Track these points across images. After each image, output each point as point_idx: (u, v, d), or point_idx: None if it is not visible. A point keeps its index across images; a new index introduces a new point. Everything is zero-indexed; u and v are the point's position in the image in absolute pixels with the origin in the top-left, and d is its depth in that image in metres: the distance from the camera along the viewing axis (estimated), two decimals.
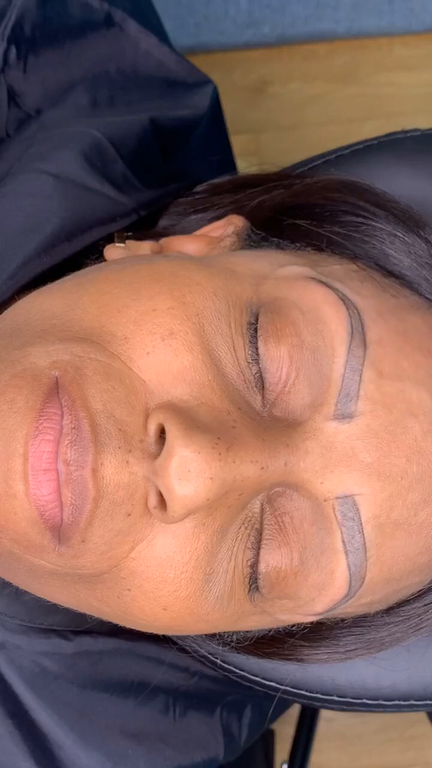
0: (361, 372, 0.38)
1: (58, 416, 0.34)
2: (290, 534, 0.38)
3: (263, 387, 0.38)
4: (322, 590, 0.39)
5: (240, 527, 0.37)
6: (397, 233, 0.45)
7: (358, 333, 0.38)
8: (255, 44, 1.37)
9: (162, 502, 0.35)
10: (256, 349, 0.38)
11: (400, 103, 1.31)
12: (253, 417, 0.37)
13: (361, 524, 0.37)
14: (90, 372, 0.36)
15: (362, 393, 0.38)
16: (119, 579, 0.37)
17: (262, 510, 0.38)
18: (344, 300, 0.39)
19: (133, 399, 0.36)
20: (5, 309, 0.43)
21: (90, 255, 0.49)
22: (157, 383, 0.36)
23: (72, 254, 0.49)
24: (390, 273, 0.44)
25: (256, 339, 0.38)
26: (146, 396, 0.36)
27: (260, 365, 0.38)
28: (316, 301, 0.39)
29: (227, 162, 0.66)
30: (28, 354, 0.36)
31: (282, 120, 1.35)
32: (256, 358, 0.38)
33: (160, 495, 0.35)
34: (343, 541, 0.38)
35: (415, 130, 0.55)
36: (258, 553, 0.38)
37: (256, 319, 0.38)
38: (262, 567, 0.38)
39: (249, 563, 0.38)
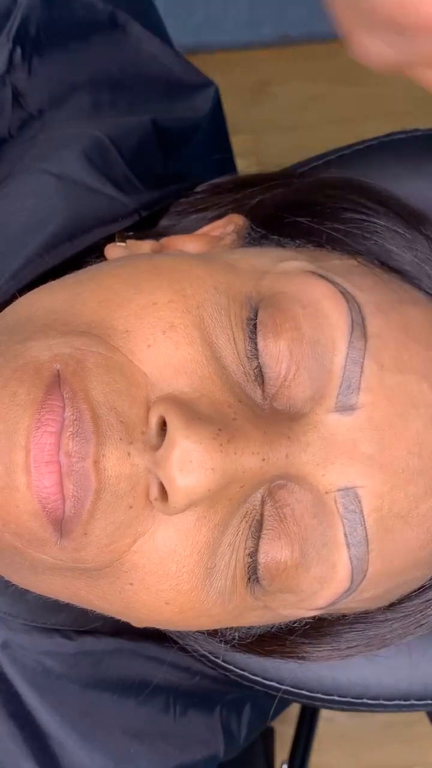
0: (362, 364, 0.38)
1: (60, 408, 0.34)
2: (291, 526, 0.38)
3: (263, 381, 0.38)
4: (324, 583, 0.39)
5: (241, 521, 0.38)
6: (398, 229, 0.45)
7: (359, 326, 0.39)
8: (255, 44, 1.37)
9: (164, 493, 0.35)
10: (255, 344, 0.38)
11: (400, 103, 1.31)
12: (254, 409, 0.37)
13: (363, 517, 0.38)
14: (91, 365, 0.36)
15: (363, 385, 0.38)
16: (121, 573, 0.37)
17: (263, 503, 0.38)
18: (344, 294, 0.39)
19: (134, 391, 0.36)
20: (7, 308, 0.43)
21: (91, 255, 0.50)
22: (158, 376, 0.36)
23: (73, 254, 0.49)
24: (391, 269, 0.44)
25: (255, 335, 0.38)
26: (147, 388, 0.36)
27: (260, 360, 0.38)
28: (316, 295, 0.39)
29: (227, 162, 0.67)
30: (29, 348, 0.36)
31: (282, 120, 1.35)
32: (255, 353, 0.38)
33: (162, 487, 0.35)
34: (345, 534, 0.38)
35: (415, 130, 0.55)
36: (258, 544, 0.38)
37: (256, 315, 0.38)
38: (261, 558, 0.38)
39: (249, 554, 0.38)
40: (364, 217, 0.45)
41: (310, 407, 0.38)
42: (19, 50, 0.52)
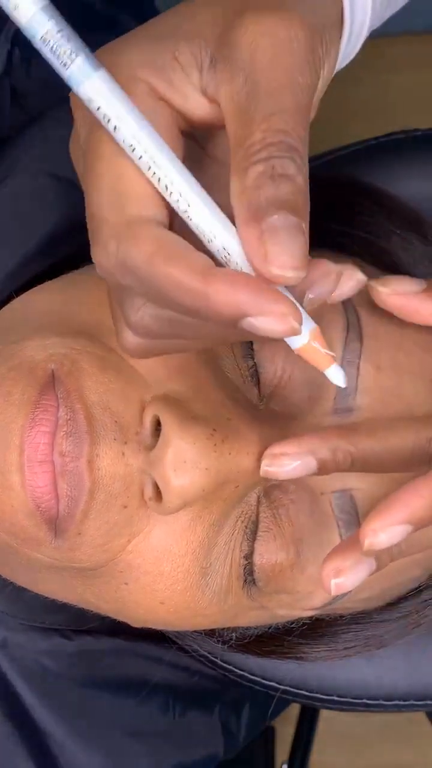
0: (358, 366, 0.38)
1: (54, 408, 0.35)
2: (286, 526, 0.38)
3: (258, 381, 0.38)
4: (320, 584, 0.39)
5: (237, 521, 0.38)
6: (395, 229, 0.45)
7: (354, 327, 0.39)
8: None
9: (158, 493, 0.35)
10: (251, 343, 0.38)
11: (400, 103, 1.31)
12: (249, 410, 0.37)
13: (358, 519, 0.38)
14: (86, 365, 0.36)
15: (360, 387, 0.38)
16: (116, 573, 0.37)
17: (259, 502, 0.38)
18: None
19: (129, 391, 0.36)
20: (3, 307, 0.43)
21: (88, 255, 0.49)
22: (153, 376, 0.36)
23: (70, 254, 0.49)
24: (387, 269, 0.44)
25: None
26: (142, 389, 0.36)
27: (255, 360, 0.38)
28: None
29: None
30: (24, 348, 0.37)
31: None
32: (250, 352, 0.38)
33: (156, 486, 0.35)
34: (341, 535, 0.38)
35: (415, 130, 0.56)
36: (253, 545, 0.38)
37: None
38: (257, 559, 0.38)
39: (245, 555, 0.38)
40: (361, 217, 0.45)
41: (306, 408, 0.38)
42: (17, 51, 0.52)
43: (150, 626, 0.41)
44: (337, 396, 0.38)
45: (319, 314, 0.38)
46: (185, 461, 0.34)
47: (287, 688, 0.53)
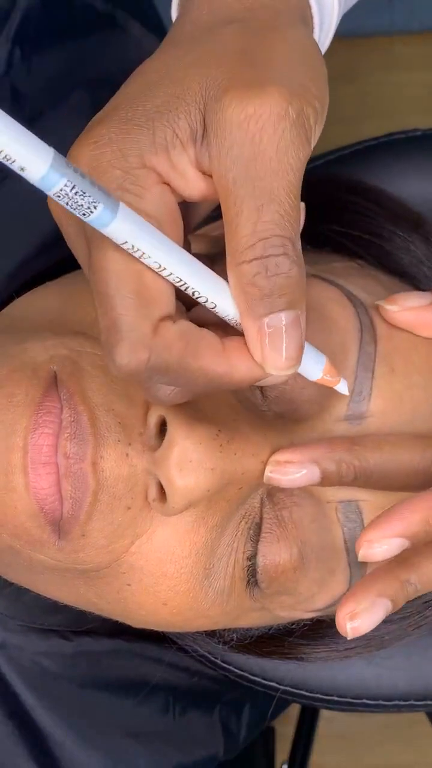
0: (373, 369, 0.38)
1: (57, 410, 0.34)
2: (289, 528, 0.38)
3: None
4: (322, 586, 0.39)
5: (240, 522, 0.38)
6: (396, 230, 0.45)
7: (368, 328, 0.38)
8: None
9: (162, 494, 0.35)
10: None
11: (400, 103, 1.31)
12: (254, 411, 0.37)
13: (363, 526, 0.37)
14: (88, 366, 0.36)
15: (375, 392, 0.38)
16: (119, 574, 0.37)
17: (262, 504, 0.38)
18: (349, 296, 0.39)
19: (132, 392, 0.36)
20: (3, 308, 0.43)
21: None
22: None
23: (70, 254, 0.49)
24: (389, 270, 0.44)
25: None
26: None
27: None
28: (321, 299, 0.39)
29: None
30: (25, 349, 0.36)
31: None
32: None
33: (160, 487, 0.35)
34: (345, 540, 0.38)
35: (415, 130, 0.56)
36: (256, 546, 0.38)
37: None
38: (260, 560, 0.38)
39: (247, 556, 0.38)
40: (363, 219, 0.45)
41: (315, 413, 0.38)
42: (18, 51, 0.52)
43: (152, 627, 0.41)
44: (352, 401, 0.38)
45: (332, 318, 0.38)
46: (191, 461, 0.34)
47: (287, 688, 0.53)
